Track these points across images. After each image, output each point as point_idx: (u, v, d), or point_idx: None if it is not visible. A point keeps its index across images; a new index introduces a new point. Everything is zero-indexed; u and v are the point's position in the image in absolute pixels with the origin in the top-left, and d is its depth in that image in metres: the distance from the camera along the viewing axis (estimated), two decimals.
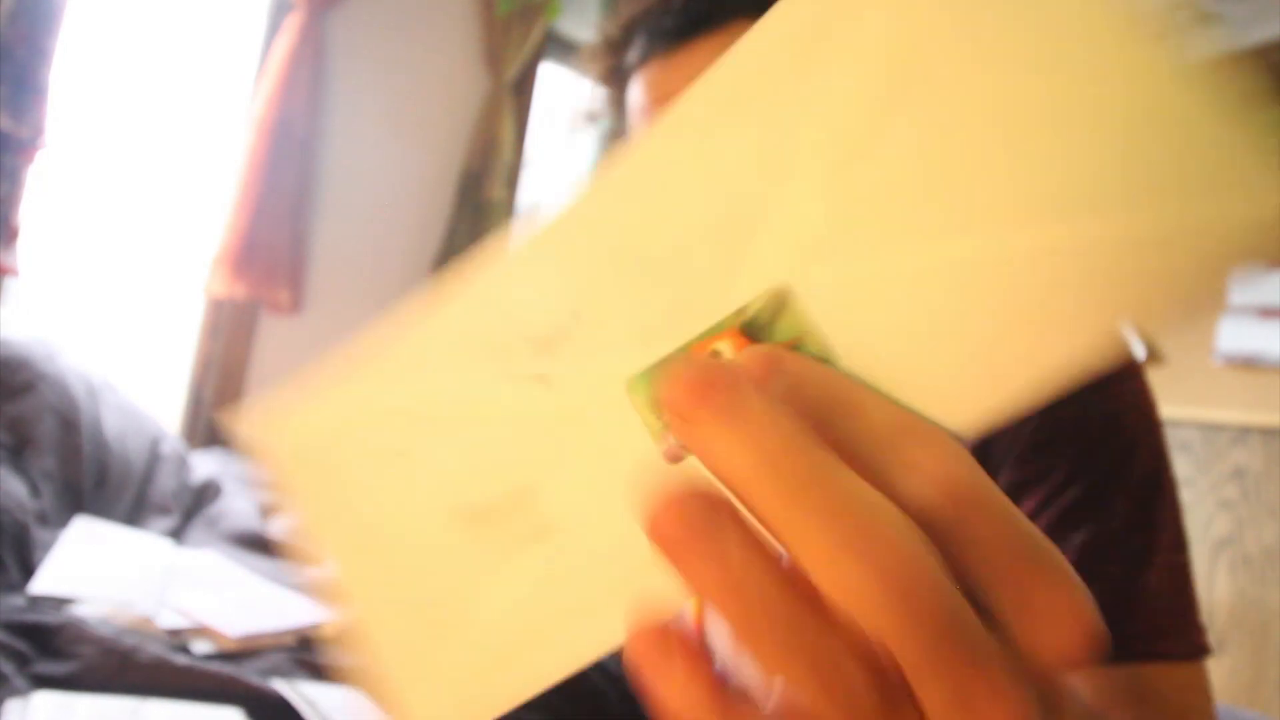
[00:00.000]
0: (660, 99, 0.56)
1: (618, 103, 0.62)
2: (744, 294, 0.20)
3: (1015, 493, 0.51)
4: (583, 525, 0.22)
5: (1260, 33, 2.12)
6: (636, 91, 0.58)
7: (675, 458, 0.21)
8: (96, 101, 1.66)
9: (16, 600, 0.89)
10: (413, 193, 1.95)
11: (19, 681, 0.74)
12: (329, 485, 0.23)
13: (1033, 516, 0.50)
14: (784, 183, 0.20)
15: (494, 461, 0.22)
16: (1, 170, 1.38)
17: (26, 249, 1.45)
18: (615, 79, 0.62)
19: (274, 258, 1.69)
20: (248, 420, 0.24)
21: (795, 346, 0.20)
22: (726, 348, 0.20)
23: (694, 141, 0.21)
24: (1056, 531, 0.49)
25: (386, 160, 1.90)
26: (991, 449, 0.52)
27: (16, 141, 1.39)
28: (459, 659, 0.23)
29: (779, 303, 0.20)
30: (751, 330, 0.20)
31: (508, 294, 0.22)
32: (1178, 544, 0.50)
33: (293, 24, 1.71)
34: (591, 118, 0.68)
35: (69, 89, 1.51)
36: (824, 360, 0.19)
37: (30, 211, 1.45)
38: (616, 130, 0.65)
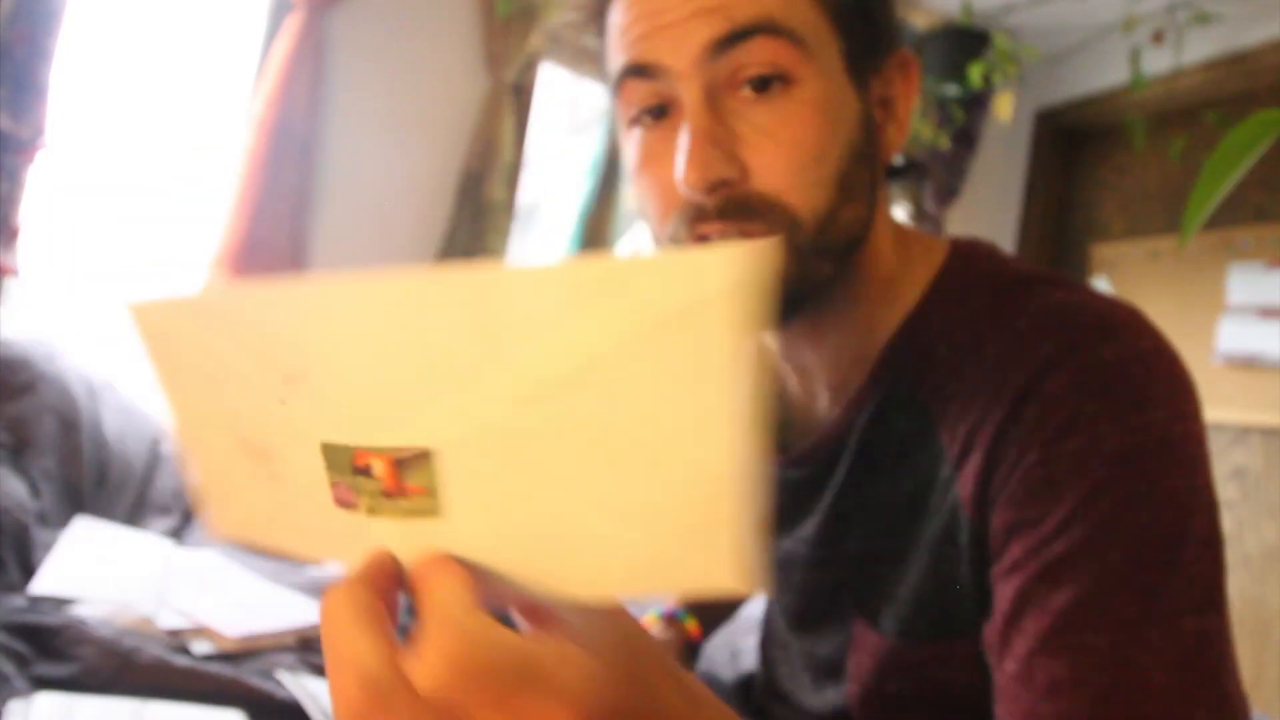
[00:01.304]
0: (647, 31, 0.48)
1: (595, 24, 0.55)
2: (407, 437, 0.27)
3: (1007, 536, 0.44)
4: (297, 494, 0.31)
5: (1260, 33, 2.11)
6: (617, 13, 0.51)
7: (342, 502, 0.29)
8: (96, 101, 1.66)
9: (17, 601, 0.89)
10: (413, 193, 1.95)
11: (20, 683, 0.74)
12: (175, 360, 0.32)
13: (1017, 568, 0.43)
14: (476, 389, 0.26)
15: (257, 423, 0.31)
16: (1, 170, 1.38)
17: (26, 249, 1.45)
18: None
19: (274, 258, 1.69)
20: (132, 300, 0.31)
21: (419, 493, 0.28)
22: (379, 466, 0.28)
23: (462, 305, 0.25)
24: (1038, 591, 0.42)
25: (386, 160, 1.90)
26: (990, 481, 0.45)
27: (16, 141, 1.39)
28: (240, 511, 0.35)
29: (422, 459, 0.27)
30: (398, 464, 0.28)
31: (290, 317, 0.28)
32: (1201, 605, 0.41)
33: (293, 24, 1.71)
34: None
35: (69, 89, 1.51)
36: (430, 510, 0.28)
37: (30, 211, 1.45)
38: (595, 57, 0.59)
